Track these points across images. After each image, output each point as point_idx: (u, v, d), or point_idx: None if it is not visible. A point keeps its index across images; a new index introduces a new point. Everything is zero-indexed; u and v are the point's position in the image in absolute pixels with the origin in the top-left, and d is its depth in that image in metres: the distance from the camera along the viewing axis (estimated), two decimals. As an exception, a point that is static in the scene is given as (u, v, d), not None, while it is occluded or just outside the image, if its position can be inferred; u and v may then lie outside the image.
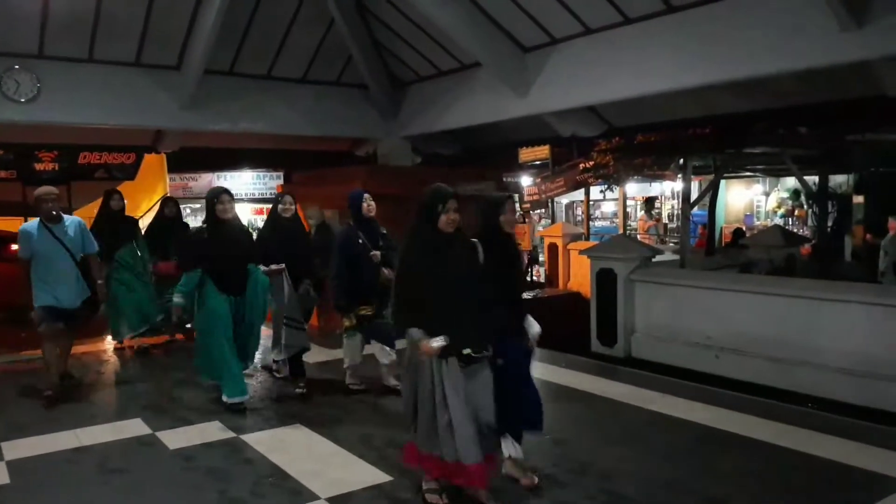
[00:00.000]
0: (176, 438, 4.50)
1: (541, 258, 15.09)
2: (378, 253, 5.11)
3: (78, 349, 6.32)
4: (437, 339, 3.16)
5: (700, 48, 5.72)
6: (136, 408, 5.20)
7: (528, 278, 13.75)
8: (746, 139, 8.55)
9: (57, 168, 11.36)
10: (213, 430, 4.65)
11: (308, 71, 8.75)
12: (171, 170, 14.19)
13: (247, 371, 5.31)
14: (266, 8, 7.72)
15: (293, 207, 5.52)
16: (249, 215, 17.82)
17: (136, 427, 4.73)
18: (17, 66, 6.99)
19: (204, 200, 5.28)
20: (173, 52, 7.72)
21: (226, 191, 5.03)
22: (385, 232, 5.30)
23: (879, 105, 6.27)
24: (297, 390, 5.40)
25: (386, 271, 5.08)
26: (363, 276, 5.05)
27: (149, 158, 12.58)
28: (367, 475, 3.87)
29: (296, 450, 4.30)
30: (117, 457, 4.22)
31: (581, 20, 6.50)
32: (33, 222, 5.14)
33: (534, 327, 3.67)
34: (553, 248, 13.82)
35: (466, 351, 3.23)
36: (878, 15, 4.70)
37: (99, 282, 5.45)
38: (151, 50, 7.61)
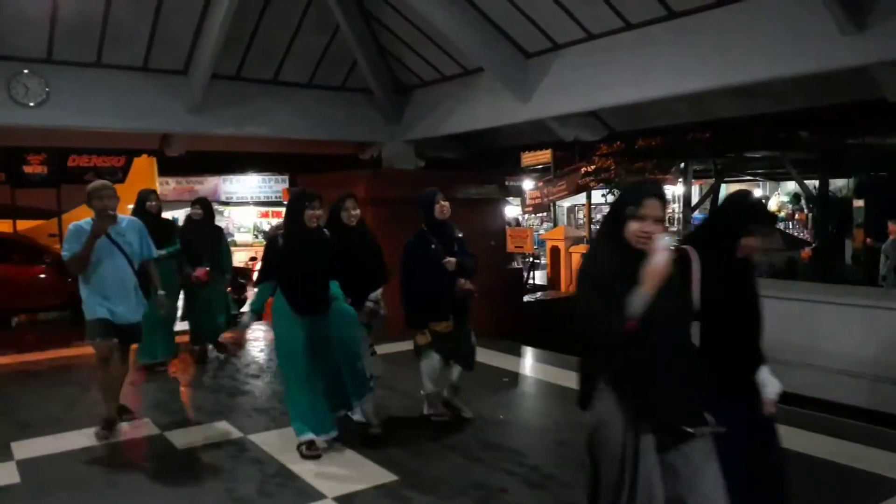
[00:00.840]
0: (184, 438, 4.55)
1: (543, 261, 15.16)
2: (453, 260, 4.45)
3: (87, 349, 6.27)
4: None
5: (700, 53, 5.76)
6: (145, 407, 5.25)
7: (528, 281, 13.75)
8: (746, 143, 8.60)
9: (46, 171, 11.10)
10: (220, 430, 4.71)
11: (313, 76, 8.81)
12: (178, 174, 14.25)
13: (351, 414, 4.57)
14: (272, 13, 7.78)
15: (358, 212, 4.52)
16: (255, 218, 17.97)
17: (144, 427, 4.78)
18: (26, 71, 7.05)
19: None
20: (180, 56, 7.79)
21: (316, 195, 4.15)
22: (461, 236, 4.67)
23: (879, 109, 6.30)
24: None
25: (461, 281, 4.50)
26: (435, 287, 4.45)
27: (138, 162, 12.31)
28: (374, 475, 3.92)
29: (302, 449, 4.35)
30: (125, 456, 4.28)
31: (583, 26, 6.55)
32: (88, 220, 4.37)
33: (771, 385, 2.72)
34: (555, 251, 13.91)
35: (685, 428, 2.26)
36: (878, 19, 4.70)
37: (161, 292, 4.80)
38: (159, 55, 7.67)
